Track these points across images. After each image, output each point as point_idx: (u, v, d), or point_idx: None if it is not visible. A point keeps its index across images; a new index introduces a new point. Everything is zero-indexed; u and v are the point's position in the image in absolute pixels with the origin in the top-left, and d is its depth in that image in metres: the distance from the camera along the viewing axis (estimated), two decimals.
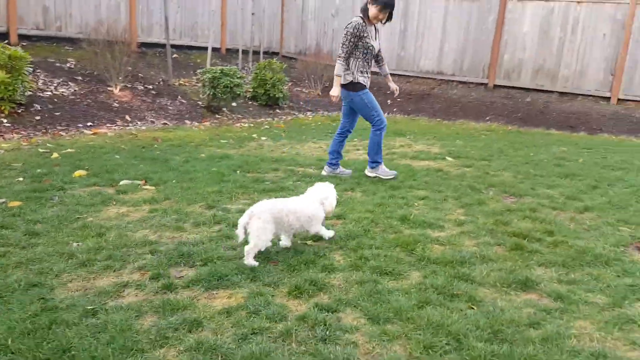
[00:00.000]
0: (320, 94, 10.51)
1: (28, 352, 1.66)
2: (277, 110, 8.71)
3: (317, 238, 2.76)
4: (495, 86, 10.94)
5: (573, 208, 3.64)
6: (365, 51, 4.17)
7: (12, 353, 1.65)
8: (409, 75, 11.87)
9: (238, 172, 4.31)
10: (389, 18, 4.20)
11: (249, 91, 8.59)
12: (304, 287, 2.19)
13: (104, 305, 1.99)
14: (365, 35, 4.13)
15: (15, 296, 2.03)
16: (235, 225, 2.61)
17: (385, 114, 9.62)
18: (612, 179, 4.66)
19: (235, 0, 10.97)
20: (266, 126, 7.46)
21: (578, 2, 10.09)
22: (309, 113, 9.15)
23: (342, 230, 2.93)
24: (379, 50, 4.48)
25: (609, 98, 9.95)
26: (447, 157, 5.59)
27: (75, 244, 2.55)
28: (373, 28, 4.31)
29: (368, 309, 2.04)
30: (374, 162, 4.30)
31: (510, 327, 1.93)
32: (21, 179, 3.75)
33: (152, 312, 1.96)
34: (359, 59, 4.16)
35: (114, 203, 3.27)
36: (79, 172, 3.89)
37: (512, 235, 2.99)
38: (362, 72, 4.23)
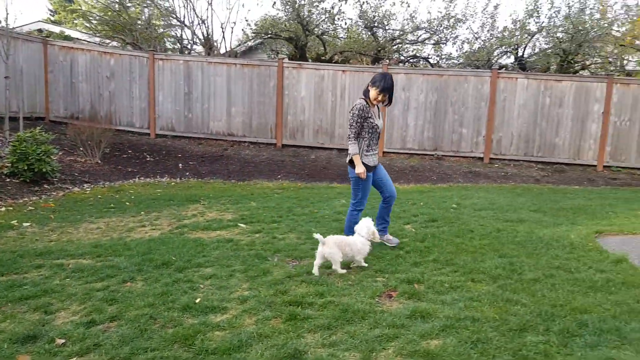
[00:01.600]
0: (99, 162, 9.91)
1: None
2: (46, 186, 7.88)
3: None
4: (283, 145, 12.09)
5: (343, 264, 4.28)
6: (371, 130, 4.54)
7: None
8: (199, 137, 12.20)
9: None
10: (390, 100, 4.58)
11: (6, 167, 7.60)
12: None
13: None
14: (369, 115, 4.52)
15: None
16: None
17: (178, 179, 9.65)
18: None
19: None
20: (30, 207, 6.69)
21: (343, 70, 12.06)
22: (86, 185, 8.52)
23: (116, 336, 2.85)
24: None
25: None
26: (239, 224, 5.91)
27: None
28: (376, 108, 4.69)
29: None
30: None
31: None
32: None
33: None
34: (366, 139, 4.53)
35: None
36: None
37: (288, 304, 3.37)
38: (367, 151, 4.58)
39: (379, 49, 15.13)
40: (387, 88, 4.48)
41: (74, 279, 3.78)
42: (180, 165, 10.61)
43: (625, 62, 15.37)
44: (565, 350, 2.73)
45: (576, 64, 14.79)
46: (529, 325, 3.01)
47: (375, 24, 15.09)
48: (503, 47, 14.70)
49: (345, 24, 15.41)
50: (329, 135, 12.07)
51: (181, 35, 15.93)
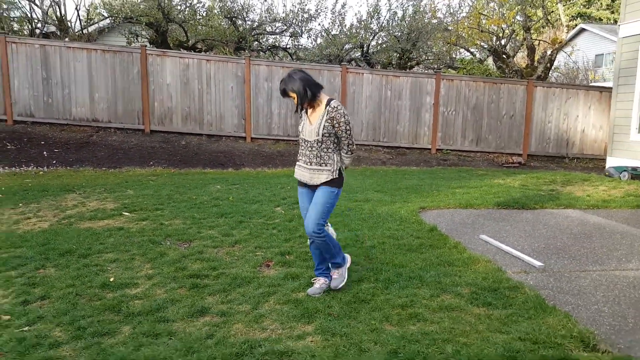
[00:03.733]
0: None
1: None
2: None
3: None
4: (152, 131, 12.33)
5: (227, 243, 5.25)
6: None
7: None
8: (62, 124, 11.84)
9: None
10: (300, 103, 3.67)
11: None
12: None
13: None
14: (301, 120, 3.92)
15: None
16: None
17: (45, 167, 9.46)
18: (251, 212, 6.63)
19: None
20: None
21: (207, 60, 12.63)
22: None
23: (52, 309, 3.51)
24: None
25: (245, 137, 12.89)
26: (124, 213, 6.44)
27: None
28: (305, 112, 3.86)
29: None
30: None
31: (197, 342, 3.16)
32: None
33: None
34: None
35: None
36: None
37: (189, 277, 4.25)
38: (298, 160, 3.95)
39: (240, 38, 15.88)
40: (281, 91, 3.76)
41: None
42: (45, 153, 10.30)
43: (453, 57, 18.52)
44: (387, 291, 4.07)
45: (412, 60, 17.37)
46: (365, 278, 4.27)
47: (235, 14, 15.77)
48: (351, 44, 16.55)
49: (205, 13, 15.79)
50: (198, 122, 12.63)
51: (31, 15, 14.71)
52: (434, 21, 16.96)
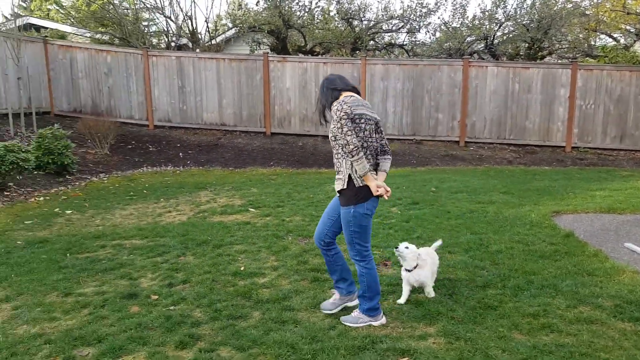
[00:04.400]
0: (108, 153, 10.78)
1: None
2: (68, 177, 8.78)
3: None
4: (272, 134, 13.08)
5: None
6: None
7: None
8: (195, 128, 13.09)
9: (68, 255, 4.79)
10: (317, 110, 3.59)
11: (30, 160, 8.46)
12: (186, 341, 3.18)
13: None
14: None
15: None
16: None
17: (181, 167, 10.59)
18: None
19: None
20: (63, 197, 7.60)
21: (324, 62, 13.04)
22: (102, 175, 9.43)
23: (193, 292, 3.95)
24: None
25: None
26: (249, 209, 6.96)
27: None
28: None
29: (234, 344, 3.18)
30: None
31: (320, 332, 3.33)
32: None
33: None
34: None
35: None
36: None
37: (310, 270, 4.48)
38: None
39: (356, 39, 16.13)
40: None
41: (137, 255, 4.82)
42: (180, 154, 11.52)
43: (592, 44, 16.83)
44: (515, 299, 3.88)
45: (543, 50, 16.13)
46: (491, 283, 4.09)
47: (352, 15, 16.06)
48: (473, 36, 15.87)
49: (324, 17, 16.32)
50: (314, 123, 13.11)
51: (167, 29, 16.56)
52: (569, 6, 15.56)
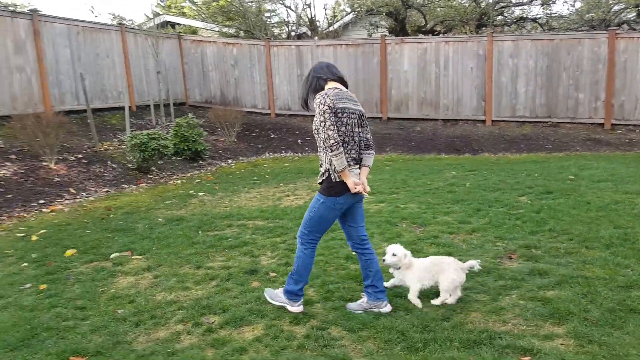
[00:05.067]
0: (235, 140, 11.65)
1: None
2: (201, 162, 9.70)
3: None
4: (389, 119, 12.98)
5: (464, 231, 5.21)
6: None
7: None
8: (312, 115, 13.46)
9: (200, 232, 5.32)
10: (304, 103, 3.66)
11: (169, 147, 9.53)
12: (299, 317, 3.37)
13: (174, 348, 3.00)
14: None
15: (110, 352, 2.96)
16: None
17: (299, 154, 11.02)
18: (491, 200, 6.41)
19: (137, 61, 12.07)
20: (197, 180, 8.43)
21: (446, 42, 12.54)
22: (230, 161, 10.25)
23: None
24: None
25: (484, 120, 12.42)
26: None
27: (120, 311, 3.48)
28: None
29: (345, 325, 3.28)
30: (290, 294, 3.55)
31: (433, 322, 3.29)
32: (25, 264, 4.47)
33: (209, 347, 3.01)
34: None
35: (120, 275, 4.16)
36: (69, 252, 4.68)
37: None
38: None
39: (482, 15, 15.21)
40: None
41: (258, 235, 5.18)
42: (299, 141, 12.03)
43: None
44: None
45: None
46: (635, 284, 3.64)
47: None
48: (622, 4, 14.04)
49: None
50: (434, 106, 12.73)
51: (287, 19, 17.25)
52: None
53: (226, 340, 3.09)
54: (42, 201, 6.79)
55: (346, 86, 3.44)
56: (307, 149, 11.53)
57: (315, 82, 3.41)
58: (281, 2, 16.85)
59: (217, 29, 17.35)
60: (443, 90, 12.58)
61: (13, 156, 7.79)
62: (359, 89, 13.07)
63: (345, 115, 3.25)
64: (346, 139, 3.27)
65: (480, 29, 15.26)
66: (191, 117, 9.72)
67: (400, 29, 15.87)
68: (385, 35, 13.21)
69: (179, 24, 17.93)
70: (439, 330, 3.17)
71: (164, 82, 12.39)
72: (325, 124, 3.17)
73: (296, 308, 3.45)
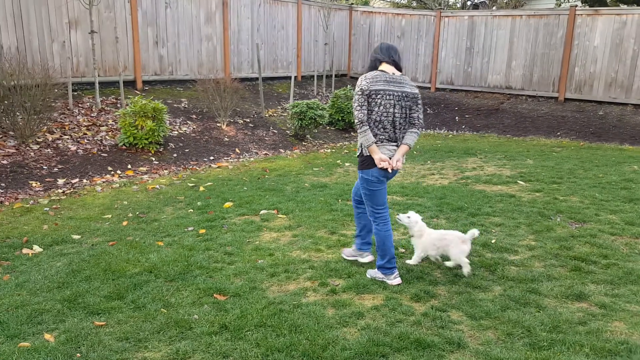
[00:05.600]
0: None
1: (272, 328, 3.02)
2: (352, 134, 10.07)
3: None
4: (566, 99, 11.73)
5: (629, 233, 4.63)
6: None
7: (261, 326, 3.03)
8: (476, 91, 12.87)
9: (339, 201, 5.64)
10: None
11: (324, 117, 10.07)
12: (421, 295, 3.44)
13: (300, 301, 3.35)
14: None
15: (246, 295, 3.43)
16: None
17: (454, 131, 10.70)
18: None
19: (308, 33, 12.80)
20: (345, 151, 8.81)
21: None
22: None
23: None
24: None
25: None
26: (518, 181, 6.62)
27: (260, 261, 3.97)
28: None
29: (467, 310, 3.25)
30: (385, 269, 3.70)
31: (565, 324, 3.08)
32: (191, 210, 5.31)
33: (330, 306, 3.29)
34: None
35: (266, 230, 4.70)
36: (227, 204, 5.41)
37: (573, 258, 4.06)
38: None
39: None
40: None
41: (394, 210, 5.24)
42: (456, 118, 11.62)
43: None
44: None
45: None
46: None
47: None
48: None
49: None
50: (625, 88, 11.10)
51: None
52: None
53: (347, 303, 3.32)
54: (212, 157, 7.83)
55: (400, 69, 3.72)
56: (463, 126, 11.10)
57: (372, 62, 3.76)
58: None
59: None
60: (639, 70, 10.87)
61: (194, 116, 9.06)
62: (536, 64, 12.00)
63: (379, 96, 3.54)
64: (379, 119, 3.57)
65: None
66: (349, 89, 10.07)
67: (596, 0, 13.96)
68: (575, 6, 11.78)
69: None
70: (570, 333, 2.96)
71: (330, 54, 12.97)
72: (354, 105, 3.59)
73: (393, 280, 3.65)
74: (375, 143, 3.54)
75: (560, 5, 14.95)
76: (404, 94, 3.61)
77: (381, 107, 3.54)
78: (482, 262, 3.99)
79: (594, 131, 10.33)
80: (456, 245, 3.75)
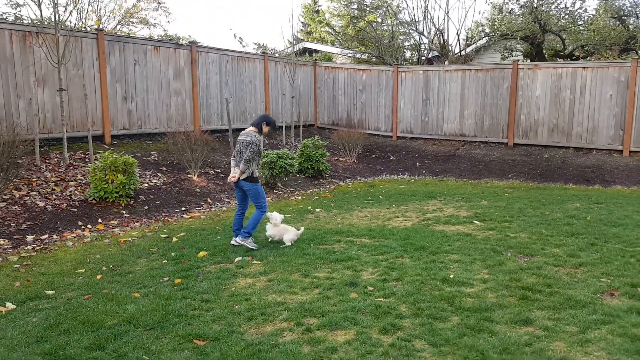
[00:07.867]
0: (355, 161, 12.30)
1: None
2: (322, 180, 10.49)
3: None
4: (515, 144, 12.59)
5: (571, 264, 5.09)
6: (260, 155, 5.99)
7: None
8: (434, 139, 13.65)
9: (312, 245, 5.94)
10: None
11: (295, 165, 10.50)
12: (388, 328, 3.74)
13: (277, 341, 3.58)
14: (261, 145, 6.43)
15: (225, 339, 3.64)
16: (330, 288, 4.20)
17: (416, 176, 11.29)
18: (609, 235, 6.08)
19: (275, 86, 13.50)
20: (315, 197, 9.18)
21: (583, 67, 11.87)
22: (348, 180, 10.89)
23: (402, 289, 4.48)
24: None
25: (621, 151, 11.46)
26: (474, 221, 7.10)
27: (237, 306, 4.18)
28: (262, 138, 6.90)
29: (429, 339, 3.56)
30: (247, 233, 5.85)
31: (514, 346, 3.43)
32: (165, 261, 5.48)
33: (306, 344, 3.54)
34: (256, 161, 5.91)
35: (241, 276, 4.93)
36: (202, 253, 5.60)
37: (521, 288, 4.46)
38: (257, 169, 6.08)
39: (629, 39, 13.97)
40: (275, 126, 6.63)
41: (363, 251, 5.62)
42: (417, 164, 12.26)
43: None
44: None
45: None
46: None
47: (625, 13, 13.99)
48: None
49: (587, 18, 14.71)
50: (565, 134, 12.06)
51: (419, 44, 17.60)
52: None
53: (321, 340, 3.58)
54: (183, 208, 8.03)
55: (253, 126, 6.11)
56: (424, 171, 11.71)
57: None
58: (414, 29, 17.30)
59: (350, 54, 18.37)
60: (577, 117, 11.89)
61: (164, 168, 9.30)
62: (485, 113, 12.90)
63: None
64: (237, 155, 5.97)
65: (623, 54, 14.04)
66: (317, 139, 10.59)
67: (536, 54, 15.25)
68: (517, 61, 12.88)
69: (316, 51, 19.34)
70: (517, 353, 3.31)
71: (296, 106, 13.59)
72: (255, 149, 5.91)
73: (253, 244, 5.88)
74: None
75: (504, 59, 16.21)
76: (241, 141, 6.00)
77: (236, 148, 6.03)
78: (442, 295, 4.33)
79: (541, 173, 11.09)
80: (291, 232, 5.97)
